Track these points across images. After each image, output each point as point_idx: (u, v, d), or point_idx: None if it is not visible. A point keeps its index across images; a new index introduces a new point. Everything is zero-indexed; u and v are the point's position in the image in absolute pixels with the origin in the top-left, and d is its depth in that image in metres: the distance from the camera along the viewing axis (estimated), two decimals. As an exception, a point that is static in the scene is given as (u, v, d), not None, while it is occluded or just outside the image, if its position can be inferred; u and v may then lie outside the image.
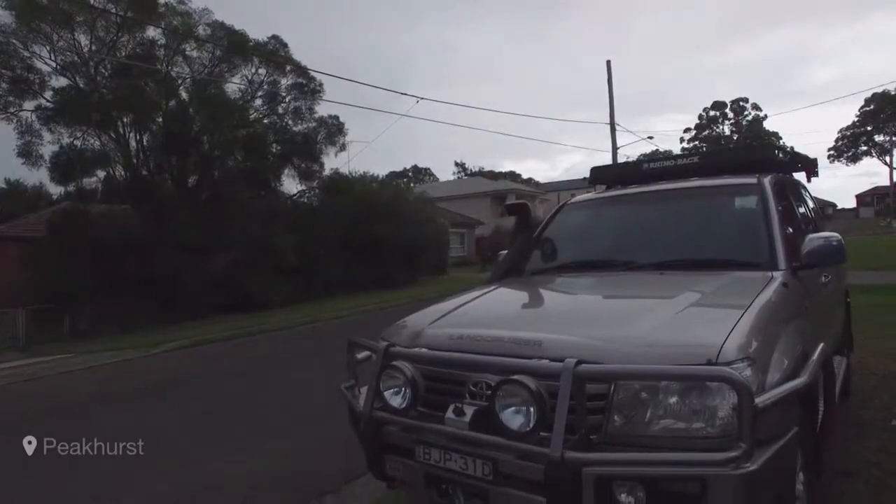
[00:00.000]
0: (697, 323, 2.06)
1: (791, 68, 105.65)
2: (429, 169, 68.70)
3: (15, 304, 14.48)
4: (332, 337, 9.11)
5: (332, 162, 35.97)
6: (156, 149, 17.65)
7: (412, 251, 20.83)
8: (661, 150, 33.88)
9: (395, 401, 2.13)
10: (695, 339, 1.88)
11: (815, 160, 4.59)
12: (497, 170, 64.97)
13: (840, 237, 2.72)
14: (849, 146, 53.20)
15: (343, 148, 20.26)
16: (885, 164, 50.12)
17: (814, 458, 2.25)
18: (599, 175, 4.25)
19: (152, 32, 17.25)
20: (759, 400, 1.62)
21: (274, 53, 18.35)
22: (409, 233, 20.68)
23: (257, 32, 24.42)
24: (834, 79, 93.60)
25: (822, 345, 2.22)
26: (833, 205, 41.60)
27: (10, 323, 14.42)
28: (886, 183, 50.59)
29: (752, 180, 3.20)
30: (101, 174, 17.83)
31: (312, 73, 18.74)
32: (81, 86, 16.38)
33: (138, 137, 17.55)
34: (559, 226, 3.72)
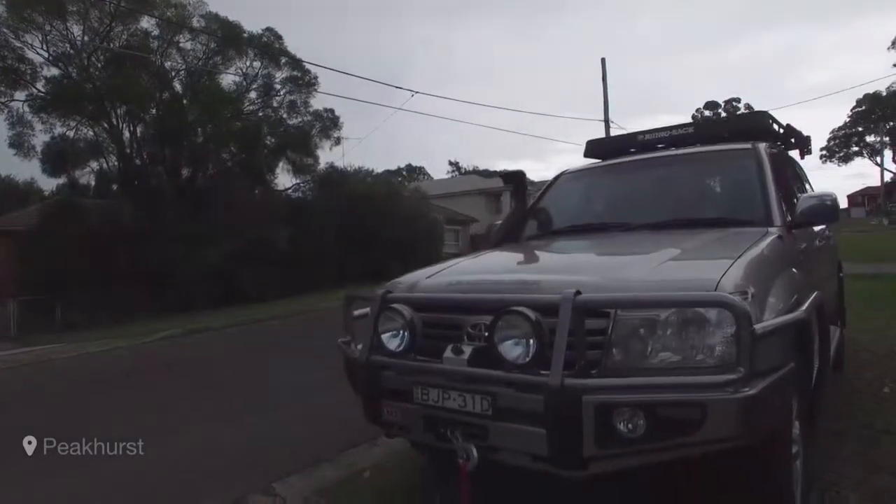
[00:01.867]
0: (694, 265, 2.08)
1: (785, 70, 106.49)
2: (423, 168, 68.52)
3: (6, 296, 14.39)
4: (326, 326, 9.10)
5: (327, 156, 35.82)
6: (149, 140, 17.59)
7: (406, 246, 20.82)
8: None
9: (393, 343, 2.12)
10: (693, 275, 1.90)
11: (809, 137, 4.60)
12: (491, 169, 64.95)
13: (834, 196, 2.74)
14: (840, 147, 53.55)
15: (338, 142, 20.31)
16: (877, 164, 50.42)
17: (809, 412, 2.26)
18: (595, 148, 4.25)
19: (146, 24, 17.21)
20: (757, 327, 1.62)
21: (269, 46, 18.31)
22: (403, 228, 20.67)
23: (252, 25, 24.27)
24: (831, 80, 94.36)
25: (817, 292, 2.24)
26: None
27: (1, 314, 14.32)
28: (877, 183, 50.99)
29: (748, 146, 3.22)
30: (94, 165, 17.76)
31: (307, 66, 18.74)
32: (74, 76, 16.27)
33: (132, 128, 17.48)
34: (555, 194, 3.72)
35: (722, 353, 1.67)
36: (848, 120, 51.91)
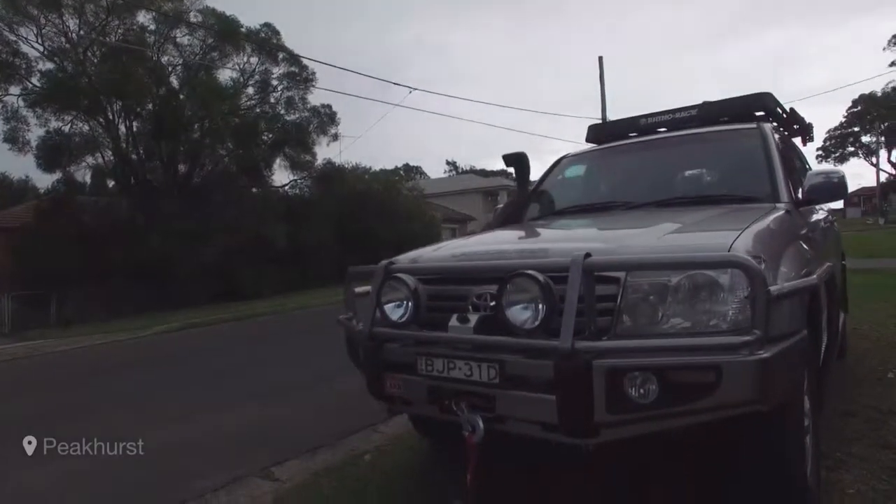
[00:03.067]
0: (704, 234, 2.04)
1: (782, 71, 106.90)
2: (420, 167, 68.46)
3: (0, 292, 14.28)
4: (322, 321, 9.07)
5: (324, 152, 35.75)
6: (146, 135, 17.46)
7: (404, 244, 20.73)
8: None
9: (396, 314, 2.07)
10: (703, 242, 1.86)
11: (811, 125, 4.58)
12: (488, 169, 64.91)
13: (842, 173, 2.70)
14: (836, 147, 53.69)
15: (335, 138, 20.20)
16: (872, 164, 50.63)
17: (817, 390, 2.22)
18: (597, 133, 4.21)
19: (143, 18, 17.09)
20: (772, 288, 1.58)
21: (266, 41, 18.21)
22: (401, 225, 20.62)
23: (250, 20, 24.09)
24: (827, 80, 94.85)
25: (827, 263, 2.21)
26: (821, 204, 41.93)
27: (-4, 309, 14.22)
28: (873, 183, 51.23)
29: (753, 125, 3.20)
30: (90, 161, 17.63)
31: (305, 62, 18.64)
32: (70, 70, 16.14)
33: (128, 124, 17.34)
34: (558, 177, 3.69)
35: (735, 317, 1.62)
36: (844, 120, 52.08)
